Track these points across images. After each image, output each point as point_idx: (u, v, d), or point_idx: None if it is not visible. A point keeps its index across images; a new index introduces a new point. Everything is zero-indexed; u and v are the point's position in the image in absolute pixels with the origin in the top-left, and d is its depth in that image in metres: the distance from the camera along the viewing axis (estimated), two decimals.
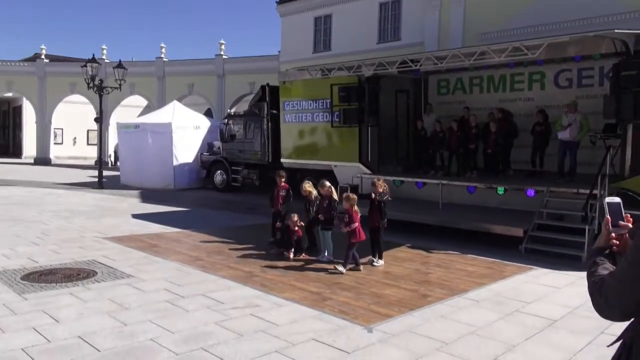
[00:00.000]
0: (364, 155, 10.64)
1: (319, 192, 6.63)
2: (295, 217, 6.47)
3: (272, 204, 7.32)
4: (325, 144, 11.52)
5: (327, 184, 6.41)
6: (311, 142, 11.81)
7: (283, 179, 7.31)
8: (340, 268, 5.65)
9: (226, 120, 15.37)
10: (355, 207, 5.79)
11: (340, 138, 11.20)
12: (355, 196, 5.87)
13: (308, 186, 6.66)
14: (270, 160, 13.47)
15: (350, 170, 10.78)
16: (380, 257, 6.25)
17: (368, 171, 10.51)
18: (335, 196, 6.41)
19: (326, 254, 6.38)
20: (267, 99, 13.39)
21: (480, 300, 4.68)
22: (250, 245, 7.13)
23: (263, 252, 6.71)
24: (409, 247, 7.34)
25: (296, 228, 6.50)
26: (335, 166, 11.09)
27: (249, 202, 12.91)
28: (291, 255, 6.45)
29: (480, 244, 7.54)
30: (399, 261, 6.44)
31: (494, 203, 8.45)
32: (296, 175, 12.07)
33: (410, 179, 9.71)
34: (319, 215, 6.28)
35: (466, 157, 10.02)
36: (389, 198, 6.20)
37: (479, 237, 7.75)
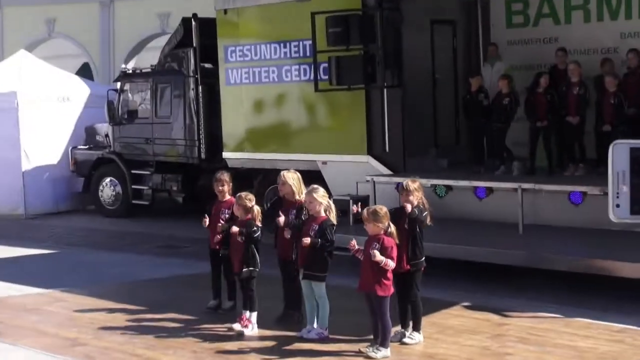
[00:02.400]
0: (376, 141, 10.70)
1: (299, 207, 6.69)
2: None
3: (210, 235, 7.40)
4: (304, 123, 11.55)
5: (321, 191, 6.43)
6: (278, 121, 11.84)
7: (228, 190, 7.38)
8: (378, 353, 5.79)
9: (120, 84, 15.37)
10: (392, 230, 5.85)
11: (332, 112, 11.20)
12: (386, 209, 5.92)
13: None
14: (203, 155, 13.49)
15: (351, 169, 10.77)
16: (416, 328, 6.29)
17: (385, 170, 10.55)
18: (333, 215, 6.42)
19: (315, 324, 6.44)
20: (194, 44, 13.42)
21: None
22: (172, 316, 7.28)
23: (199, 328, 6.87)
24: (466, 306, 7.45)
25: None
26: (325, 163, 11.14)
27: (165, 235, 12.88)
28: (247, 327, 6.68)
29: (592, 294, 7.63)
30: (452, 334, 6.52)
31: (617, 223, 8.59)
32: (253, 183, 12.10)
33: (463, 183, 9.77)
34: (304, 240, 6.28)
35: (564, 140, 10.13)
36: (429, 220, 6.24)
37: (590, 282, 7.85)
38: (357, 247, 5.93)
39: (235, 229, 6.60)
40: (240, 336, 6.61)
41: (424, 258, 6.29)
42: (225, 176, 7.43)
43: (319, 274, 6.38)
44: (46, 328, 7.02)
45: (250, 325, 6.67)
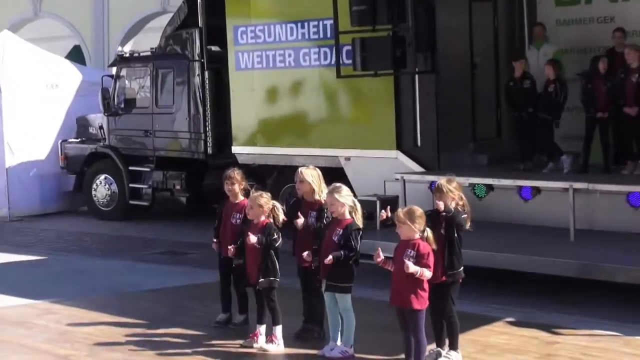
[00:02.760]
0: (407, 134, 10.72)
1: (320, 209, 6.74)
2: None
3: (219, 242, 7.48)
4: (324, 113, 11.58)
5: (344, 190, 6.47)
6: (295, 111, 11.88)
7: (241, 189, 7.42)
8: None
9: (115, 69, 15.47)
10: (429, 234, 5.85)
11: (356, 101, 11.22)
12: (422, 210, 5.93)
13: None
14: (210, 150, 13.59)
15: (378, 165, 10.81)
16: (454, 347, 6.28)
17: (417, 167, 10.57)
18: (358, 216, 6.47)
19: (339, 342, 6.48)
20: (200, 24, 13.46)
21: None
22: (176, 331, 7.31)
23: (208, 344, 6.91)
24: (510, 322, 7.44)
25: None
26: (348, 159, 11.18)
27: (167, 240, 12.92)
28: (262, 342, 6.72)
29: None
30: (494, 353, 6.52)
31: None
32: (266, 180, 12.14)
33: (506, 182, 9.77)
34: (326, 260, 6.31)
35: (621, 133, 10.09)
36: (469, 224, 6.24)
37: None
38: (382, 256, 5.80)
39: (253, 238, 6.54)
40: (262, 354, 6.64)
41: (462, 268, 6.28)
42: (237, 174, 7.40)
43: (343, 285, 6.39)
44: (35, 344, 7.03)
45: (275, 340, 6.70)
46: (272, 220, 6.78)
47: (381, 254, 5.82)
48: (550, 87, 10.31)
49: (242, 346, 6.79)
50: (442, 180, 6.29)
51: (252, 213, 6.78)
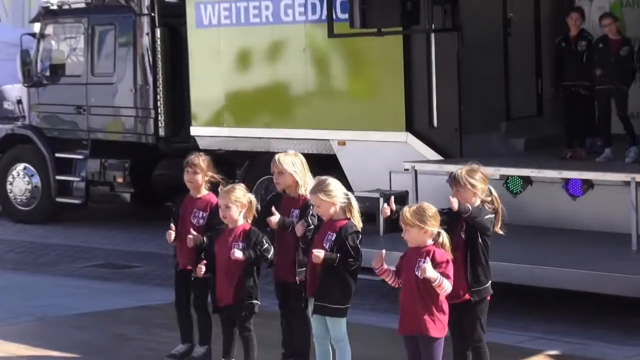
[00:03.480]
0: (419, 112, 10.81)
1: (304, 206, 6.73)
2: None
3: (178, 250, 7.49)
4: (312, 85, 11.62)
5: (331, 185, 6.38)
6: (274, 81, 11.93)
7: (205, 180, 7.41)
8: None
9: (40, 26, 15.48)
10: (445, 239, 5.79)
11: (354, 68, 11.28)
12: (435, 209, 5.84)
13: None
14: (162, 131, 13.64)
15: (382, 152, 10.89)
16: None
17: (433, 154, 10.63)
18: (356, 217, 6.43)
19: None
20: None
21: None
22: None
23: None
24: (552, 356, 7.52)
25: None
26: (343, 144, 11.25)
27: (106, 249, 12.94)
28: None
29: None
30: None
31: None
32: (236, 171, 12.20)
33: (549, 174, 9.83)
34: (314, 258, 6.19)
35: None
36: (498, 225, 6.23)
37: None
38: (385, 266, 5.75)
39: (238, 253, 6.45)
40: None
41: (490, 282, 6.24)
42: (202, 160, 7.42)
43: (337, 306, 6.31)
44: None
45: None
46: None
47: (384, 254, 5.73)
48: (623, 50, 10.30)
49: None
50: (461, 170, 6.25)
51: (229, 215, 6.70)
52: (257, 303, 6.71)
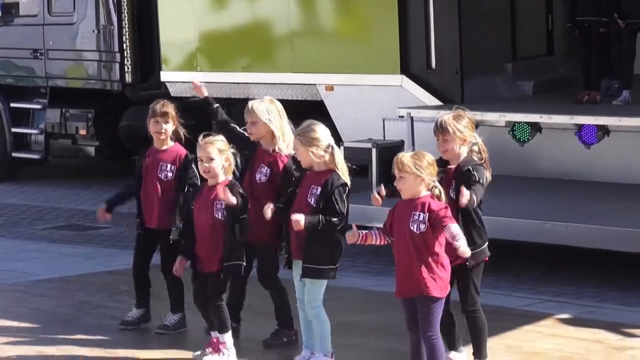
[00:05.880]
0: (415, 52, 10.82)
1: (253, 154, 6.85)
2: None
3: (144, 206, 7.57)
4: (296, 22, 11.62)
5: (318, 130, 6.35)
6: (253, 20, 11.90)
7: (171, 129, 7.42)
8: None
9: None
10: (441, 191, 5.76)
11: (343, 5, 11.29)
12: (433, 157, 5.82)
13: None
14: (129, 77, 13.62)
15: (374, 98, 10.93)
16: (480, 355, 6.26)
17: (431, 99, 10.65)
18: (340, 168, 6.39)
19: (315, 351, 6.47)
20: None
21: None
22: (79, 337, 7.37)
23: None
24: (562, 320, 7.55)
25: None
26: (331, 89, 11.27)
27: (68, 209, 13.04)
28: (219, 353, 6.74)
29: None
30: None
31: None
32: (210, 121, 12.09)
33: (560, 119, 9.82)
34: (295, 224, 6.19)
35: None
36: (487, 177, 6.13)
37: None
38: (360, 234, 5.81)
39: (232, 199, 6.40)
40: None
41: (486, 244, 6.21)
42: (171, 107, 7.45)
43: (328, 267, 6.30)
44: None
45: (225, 350, 6.71)
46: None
47: (355, 229, 5.78)
48: None
49: None
50: (447, 116, 6.18)
51: (212, 169, 6.62)
52: (240, 263, 6.73)
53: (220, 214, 6.54)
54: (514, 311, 7.49)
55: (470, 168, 5.98)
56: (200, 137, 6.70)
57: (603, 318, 7.50)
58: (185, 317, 7.36)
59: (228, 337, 6.70)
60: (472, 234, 6.09)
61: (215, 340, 6.71)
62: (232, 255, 6.62)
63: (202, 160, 6.59)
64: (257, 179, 6.78)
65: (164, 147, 7.37)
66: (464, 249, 5.54)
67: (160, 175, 7.30)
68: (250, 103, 6.95)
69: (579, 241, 8.60)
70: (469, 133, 6.10)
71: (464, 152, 6.07)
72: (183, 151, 7.31)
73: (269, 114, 6.82)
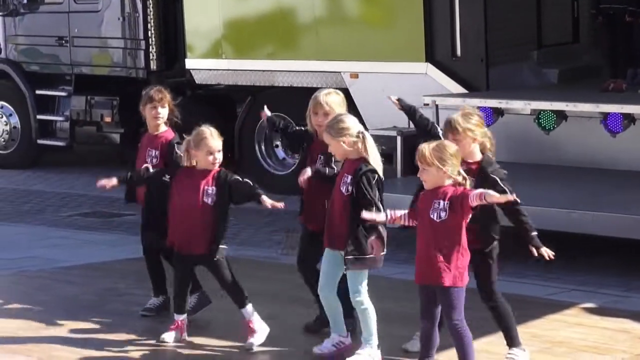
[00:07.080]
0: (441, 40, 10.83)
1: (309, 145, 6.83)
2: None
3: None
4: (321, 11, 11.62)
5: (349, 121, 6.37)
6: (279, 8, 11.91)
7: (166, 112, 7.48)
8: None
9: None
10: (467, 182, 5.73)
11: None
12: (456, 148, 5.80)
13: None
14: (154, 65, 13.65)
15: (399, 85, 10.84)
16: (514, 343, 6.23)
17: (456, 87, 10.66)
18: (373, 159, 6.37)
19: (339, 334, 6.51)
20: None
21: None
22: (104, 324, 7.41)
23: (150, 347, 6.94)
24: (587, 309, 7.55)
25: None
26: (356, 76, 11.29)
27: (93, 196, 13.00)
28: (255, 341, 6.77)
29: None
30: (564, 354, 6.58)
31: None
32: (237, 108, 12.26)
33: (585, 108, 9.79)
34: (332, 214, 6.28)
35: None
36: (502, 173, 6.12)
37: None
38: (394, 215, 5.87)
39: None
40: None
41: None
42: (164, 92, 7.53)
43: (355, 252, 6.24)
44: None
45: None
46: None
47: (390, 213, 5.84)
48: None
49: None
50: (456, 115, 6.14)
51: (220, 159, 6.76)
52: (225, 247, 6.84)
53: (210, 199, 6.63)
54: (539, 300, 7.50)
55: (497, 179, 5.95)
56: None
57: (628, 307, 7.51)
58: (169, 300, 7.36)
59: (250, 309, 6.78)
60: (489, 229, 6.08)
61: (249, 321, 6.75)
62: (222, 239, 6.77)
63: (213, 153, 6.70)
64: (317, 168, 6.73)
65: (156, 133, 7.48)
66: (500, 195, 5.54)
67: (147, 161, 7.38)
68: (319, 95, 6.88)
69: (606, 230, 8.57)
70: (480, 131, 6.06)
71: (476, 149, 6.04)
72: (170, 136, 7.40)
73: (335, 105, 6.82)
